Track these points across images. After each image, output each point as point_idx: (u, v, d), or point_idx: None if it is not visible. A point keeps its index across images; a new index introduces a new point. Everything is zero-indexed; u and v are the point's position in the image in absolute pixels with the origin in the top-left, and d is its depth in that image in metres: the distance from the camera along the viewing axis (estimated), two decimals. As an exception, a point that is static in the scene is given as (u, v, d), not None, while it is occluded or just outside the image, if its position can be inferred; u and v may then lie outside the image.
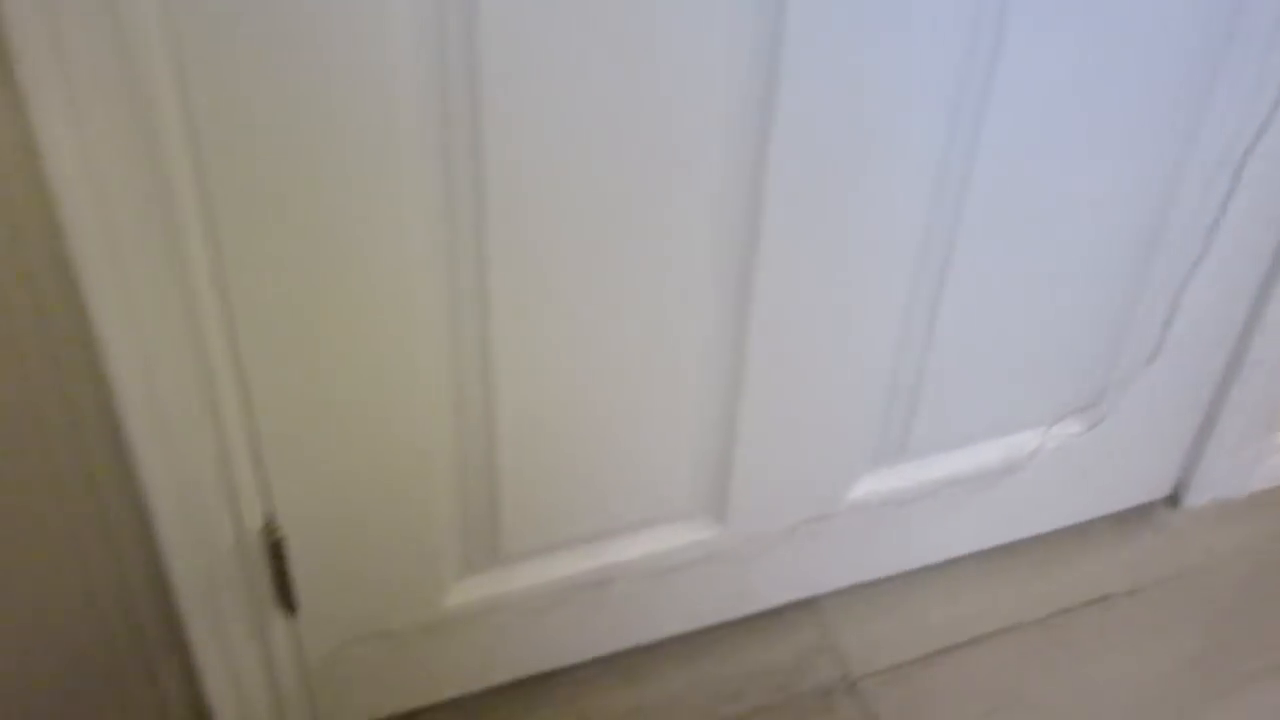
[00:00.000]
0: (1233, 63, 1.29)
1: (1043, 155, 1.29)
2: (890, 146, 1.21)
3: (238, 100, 0.98)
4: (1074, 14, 1.19)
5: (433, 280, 1.14)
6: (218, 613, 1.27)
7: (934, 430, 1.49)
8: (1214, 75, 1.30)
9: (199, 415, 1.12)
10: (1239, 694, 1.57)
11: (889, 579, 1.65)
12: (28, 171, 0.95)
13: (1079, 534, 1.71)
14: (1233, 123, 1.35)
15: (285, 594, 1.30)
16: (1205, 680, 1.58)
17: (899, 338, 1.38)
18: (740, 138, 1.15)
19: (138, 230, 1.00)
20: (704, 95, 1.11)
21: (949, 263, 1.33)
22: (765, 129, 1.15)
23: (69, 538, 1.18)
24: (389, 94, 1.01)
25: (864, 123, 1.18)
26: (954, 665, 1.59)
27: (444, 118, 1.05)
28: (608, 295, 1.21)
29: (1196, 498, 1.73)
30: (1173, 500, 1.75)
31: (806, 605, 1.62)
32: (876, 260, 1.29)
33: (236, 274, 1.07)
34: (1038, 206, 1.33)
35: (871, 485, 1.52)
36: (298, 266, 1.08)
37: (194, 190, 1.01)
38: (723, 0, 1.06)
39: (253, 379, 1.14)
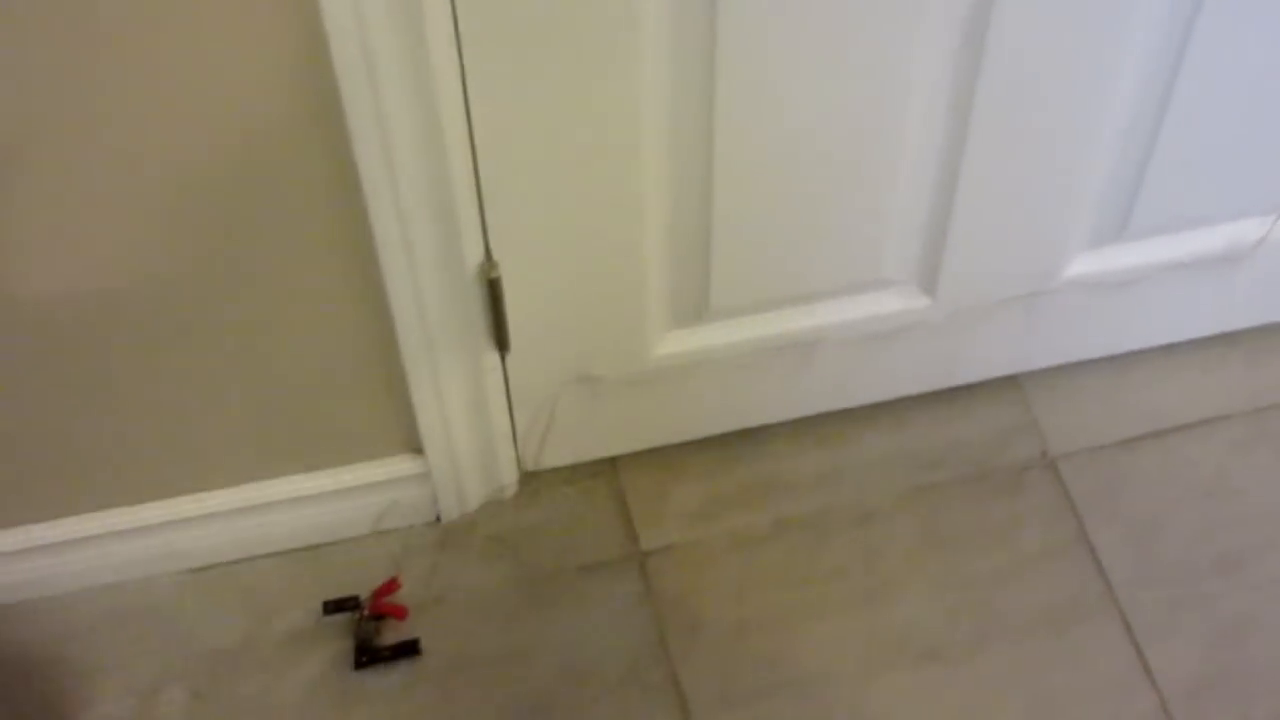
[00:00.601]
0: None
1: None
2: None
3: None
4: None
5: (659, 25, 1.13)
6: (433, 346, 1.30)
7: (1157, 211, 1.45)
8: None
9: (425, 150, 1.14)
10: None
11: (1097, 361, 1.62)
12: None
13: (1297, 330, 1.67)
14: None
15: (499, 333, 1.33)
16: None
17: (1131, 109, 1.33)
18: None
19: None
20: None
21: (1190, 33, 1.27)
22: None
23: (308, 271, 1.22)
24: None
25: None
26: (1154, 451, 1.57)
27: None
28: (834, 41, 1.18)
29: None
30: (1401, 302, 1.69)
31: (1011, 382, 1.61)
32: (1116, 24, 1.24)
33: (466, 9, 1.07)
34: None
35: (1088, 264, 1.49)
36: (525, 8, 1.08)
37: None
38: None
39: (478, 118, 1.15)
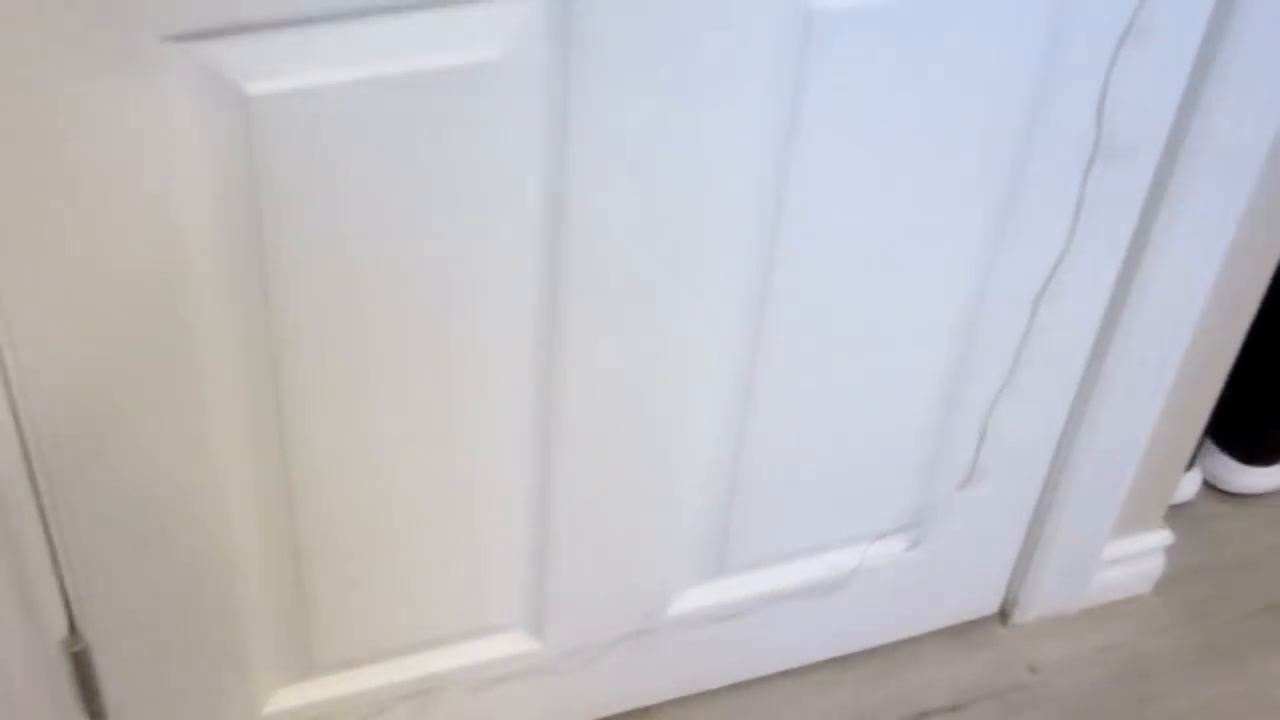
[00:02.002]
0: (1030, 201, 1.34)
1: (844, 280, 1.33)
2: (687, 269, 1.25)
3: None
4: (864, 156, 1.24)
5: (228, 380, 1.17)
6: (21, 721, 1.29)
7: (751, 547, 1.53)
8: (1013, 210, 1.35)
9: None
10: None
11: (719, 689, 1.67)
12: None
13: (908, 648, 1.75)
14: (1031, 257, 1.40)
15: (91, 704, 1.32)
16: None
17: (708, 455, 1.42)
18: (532, 270, 1.20)
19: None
20: (489, 231, 1.16)
21: (753, 383, 1.37)
22: (556, 265, 1.20)
23: None
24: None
25: (660, 249, 1.22)
26: (779, 776, 1.63)
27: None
28: (403, 406, 1.25)
29: (1024, 614, 1.77)
30: (1002, 616, 1.79)
31: (641, 713, 1.65)
32: (681, 379, 1.33)
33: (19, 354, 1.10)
34: (842, 329, 1.37)
35: (693, 600, 1.55)
36: (89, 399, 1.12)
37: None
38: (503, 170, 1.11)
39: (47, 486, 1.17)
